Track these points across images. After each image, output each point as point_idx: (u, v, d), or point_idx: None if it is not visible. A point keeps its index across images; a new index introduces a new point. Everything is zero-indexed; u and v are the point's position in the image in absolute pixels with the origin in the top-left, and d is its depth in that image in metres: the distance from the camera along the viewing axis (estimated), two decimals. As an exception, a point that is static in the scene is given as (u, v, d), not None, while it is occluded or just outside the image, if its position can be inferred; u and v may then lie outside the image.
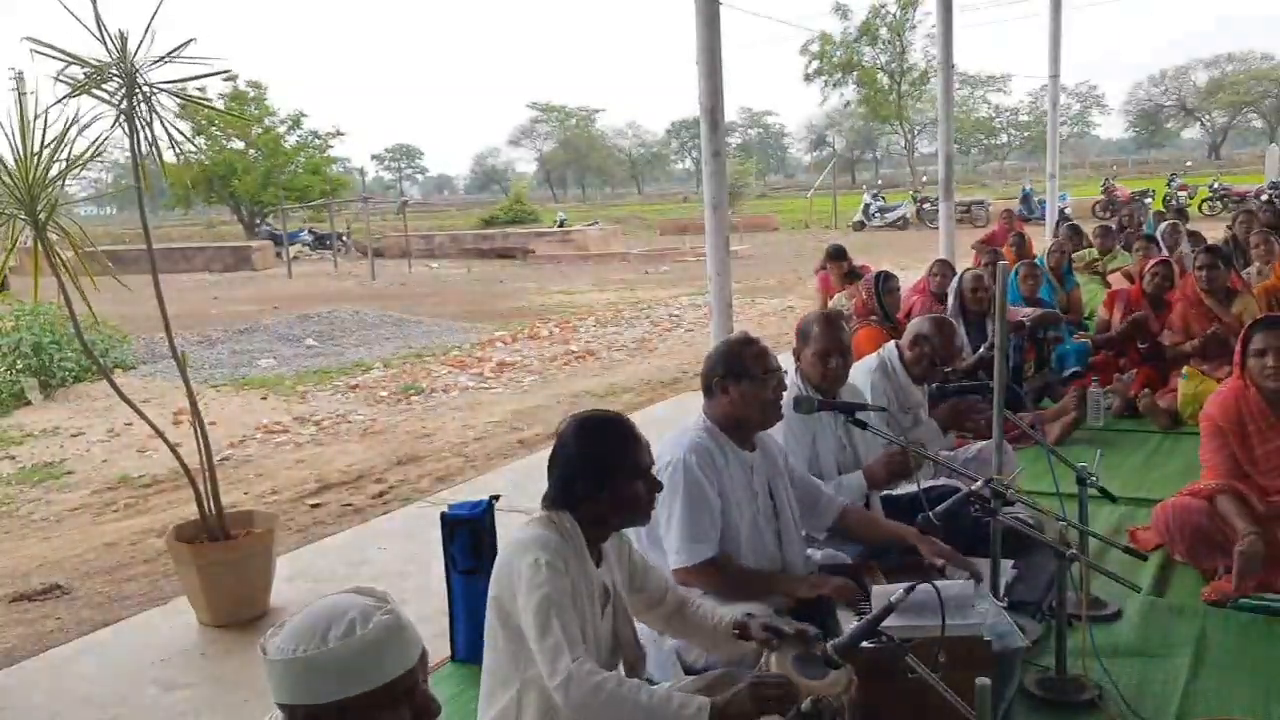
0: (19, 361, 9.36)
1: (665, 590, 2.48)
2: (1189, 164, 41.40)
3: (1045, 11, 12.15)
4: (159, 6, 3.68)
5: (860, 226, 30.77)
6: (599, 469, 2.21)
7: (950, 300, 6.13)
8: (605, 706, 1.99)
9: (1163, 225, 9.79)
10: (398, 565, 4.46)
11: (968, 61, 65.34)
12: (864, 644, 2.05)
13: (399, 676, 1.41)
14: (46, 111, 3.63)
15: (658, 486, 2.31)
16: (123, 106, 3.67)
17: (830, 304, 7.66)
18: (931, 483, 3.59)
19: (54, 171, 3.73)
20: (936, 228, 11.79)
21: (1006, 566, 3.14)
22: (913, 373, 4.14)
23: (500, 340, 12.31)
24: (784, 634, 2.24)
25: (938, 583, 2.26)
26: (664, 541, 2.79)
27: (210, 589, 3.91)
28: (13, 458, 7.51)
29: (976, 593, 2.66)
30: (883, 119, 53.95)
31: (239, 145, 37.02)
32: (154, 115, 3.72)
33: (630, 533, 2.90)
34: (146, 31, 3.63)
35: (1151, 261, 6.69)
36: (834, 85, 52.67)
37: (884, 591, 2.44)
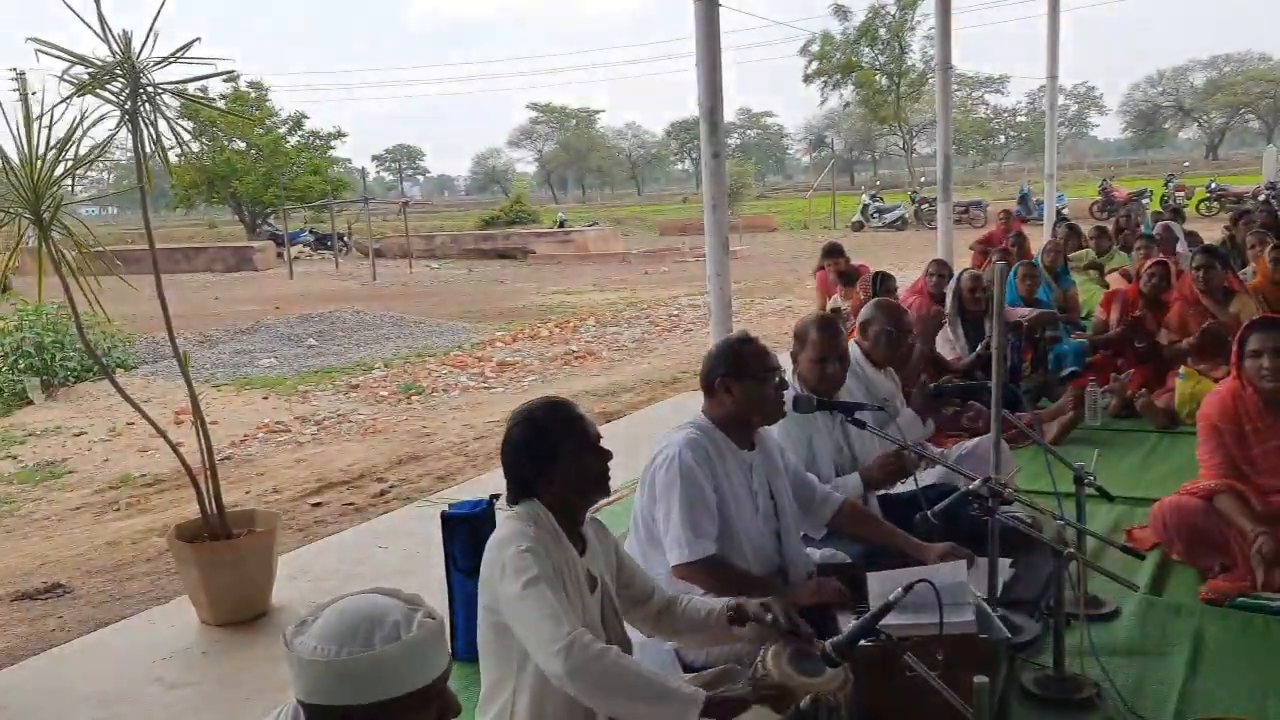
0: (21, 361, 9.40)
1: (651, 590, 2.47)
2: (1186, 165, 41.44)
3: (1043, 13, 12.17)
4: (162, 7, 3.69)
5: (859, 227, 30.81)
6: (543, 452, 2.23)
7: (948, 300, 6.14)
8: (607, 673, 2.00)
9: (1157, 226, 9.83)
10: (398, 564, 4.47)
11: (966, 63, 65.45)
12: (862, 642, 2.06)
13: (436, 679, 1.42)
14: (51, 111, 3.65)
15: (608, 456, 2.31)
16: (127, 107, 3.68)
17: (829, 304, 7.69)
18: (930, 482, 3.60)
19: (59, 171, 3.75)
20: (935, 228, 11.80)
21: (1004, 565, 3.16)
22: (874, 359, 4.10)
23: (500, 340, 12.33)
24: (780, 622, 2.25)
25: (930, 571, 2.27)
26: (662, 539, 2.78)
27: (212, 588, 3.92)
28: (15, 457, 7.53)
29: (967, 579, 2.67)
30: (881, 120, 53.98)
31: (241, 146, 37.04)
32: (158, 115, 3.73)
33: (629, 534, 2.92)
34: (150, 32, 3.65)
35: (1149, 262, 6.72)
36: (833, 86, 52.74)
37: (882, 578, 2.45)
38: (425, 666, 1.41)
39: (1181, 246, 8.53)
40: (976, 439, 4.11)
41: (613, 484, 2.41)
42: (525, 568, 2.08)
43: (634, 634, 2.51)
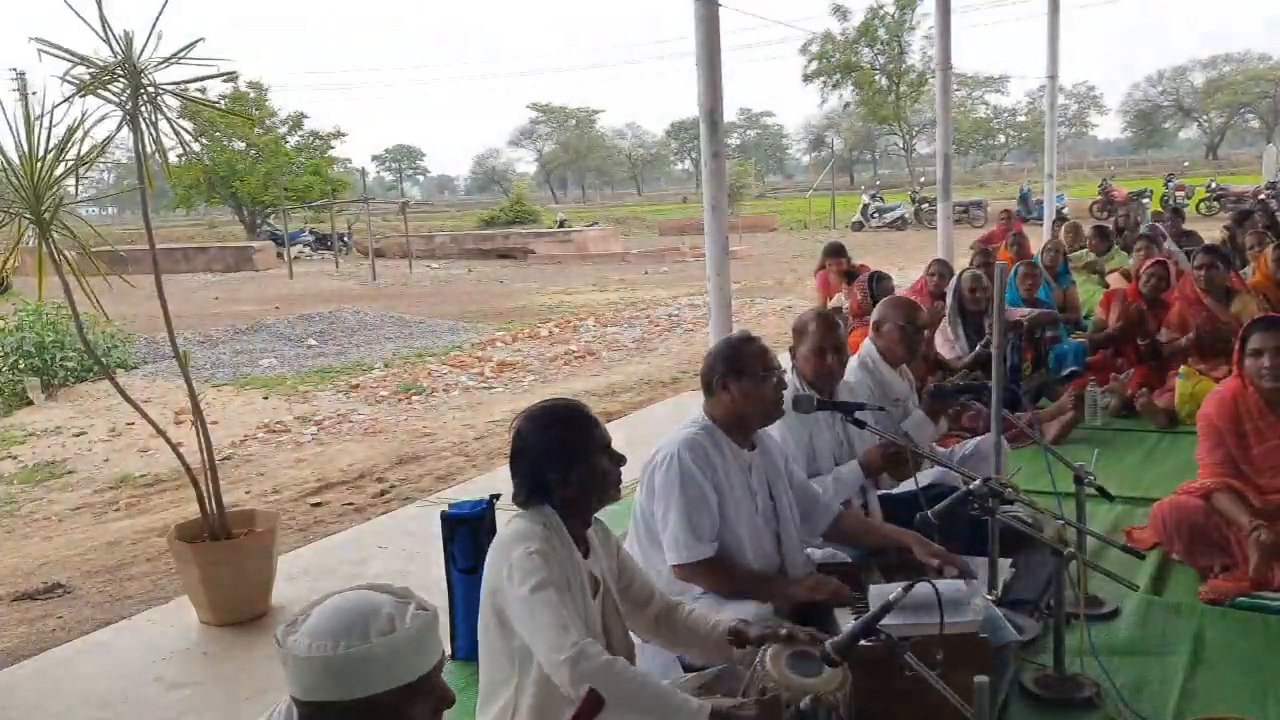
0: (21, 361, 9.40)
1: (652, 593, 2.46)
2: (1186, 164, 41.52)
3: (1043, 12, 12.17)
4: (163, 7, 3.69)
5: (859, 227, 30.82)
6: (565, 456, 2.23)
7: (948, 300, 6.15)
8: (613, 684, 2.00)
9: (1158, 224, 9.83)
10: (398, 564, 4.47)
11: (965, 63, 65.37)
12: (862, 642, 2.06)
13: (431, 669, 1.43)
14: (52, 111, 3.65)
15: (621, 460, 2.31)
16: (128, 107, 3.68)
17: (830, 303, 7.69)
18: (930, 481, 3.60)
19: (59, 171, 3.75)
20: (935, 228, 11.81)
21: (1004, 565, 3.16)
22: (890, 357, 4.07)
23: (500, 340, 12.33)
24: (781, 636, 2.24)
25: (935, 581, 2.27)
26: (662, 539, 2.78)
27: (211, 588, 3.92)
28: (15, 457, 7.53)
29: (970, 591, 2.67)
30: (881, 120, 53.97)
31: (240, 146, 37.05)
32: (159, 116, 3.73)
33: (629, 533, 2.92)
34: (151, 32, 3.65)
35: (1149, 262, 6.72)
36: (833, 86, 52.74)
37: (881, 591, 2.45)
38: (421, 658, 1.42)
39: (1169, 244, 8.50)
40: (977, 439, 4.10)
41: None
42: (534, 570, 2.08)
43: (635, 635, 2.51)
